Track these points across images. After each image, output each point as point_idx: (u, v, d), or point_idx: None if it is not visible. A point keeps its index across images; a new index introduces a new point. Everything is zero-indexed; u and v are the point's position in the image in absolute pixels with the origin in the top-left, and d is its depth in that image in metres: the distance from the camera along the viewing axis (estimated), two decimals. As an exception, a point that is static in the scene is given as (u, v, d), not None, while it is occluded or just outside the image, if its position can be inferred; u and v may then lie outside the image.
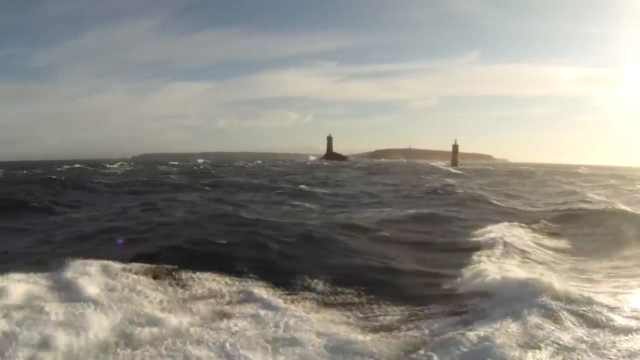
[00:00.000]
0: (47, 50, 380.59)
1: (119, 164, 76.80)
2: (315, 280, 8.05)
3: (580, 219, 16.04)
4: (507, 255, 9.92)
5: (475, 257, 9.70)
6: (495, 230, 12.85)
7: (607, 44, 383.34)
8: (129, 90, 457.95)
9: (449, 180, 40.81)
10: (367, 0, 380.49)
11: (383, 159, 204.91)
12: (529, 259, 10.07)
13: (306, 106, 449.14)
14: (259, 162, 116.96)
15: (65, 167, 59.36)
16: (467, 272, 8.56)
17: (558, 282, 6.92)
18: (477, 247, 10.96)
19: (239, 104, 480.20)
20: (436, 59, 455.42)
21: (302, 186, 30.00)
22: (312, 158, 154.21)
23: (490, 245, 10.92)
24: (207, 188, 28.72)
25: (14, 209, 16.59)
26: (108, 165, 67.66)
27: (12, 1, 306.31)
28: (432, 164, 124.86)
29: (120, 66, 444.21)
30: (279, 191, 27.25)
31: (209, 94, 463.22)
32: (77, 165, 62.40)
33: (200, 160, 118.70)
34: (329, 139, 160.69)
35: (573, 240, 12.70)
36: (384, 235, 13.11)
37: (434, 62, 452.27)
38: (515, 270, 8.31)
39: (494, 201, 22.43)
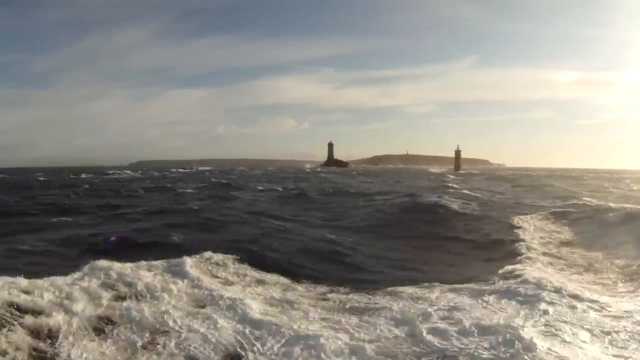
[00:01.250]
0: (46, 56, 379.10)
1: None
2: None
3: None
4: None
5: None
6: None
7: (604, 46, 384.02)
8: (128, 96, 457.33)
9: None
10: (364, 6, 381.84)
11: (381, 165, 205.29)
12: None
13: (304, 112, 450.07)
14: (271, 168, 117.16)
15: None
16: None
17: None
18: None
19: (237, 111, 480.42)
20: (433, 64, 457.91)
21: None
22: (307, 166, 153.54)
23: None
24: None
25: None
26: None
27: (11, 7, 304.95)
28: (431, 170, 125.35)
29: (119, 72, 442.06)
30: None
31: (207, 101, 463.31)
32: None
33: (200, 167, 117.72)
34: (330, 145, 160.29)
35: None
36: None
37: (431, 67, 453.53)
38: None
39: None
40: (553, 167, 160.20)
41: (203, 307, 6.44)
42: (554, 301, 6.72)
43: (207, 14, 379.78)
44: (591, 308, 6.57)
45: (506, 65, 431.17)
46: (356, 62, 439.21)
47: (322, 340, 5.17)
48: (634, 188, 36.57)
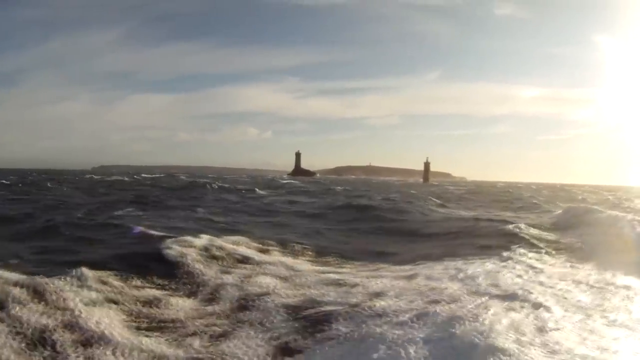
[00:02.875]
0: (11, 55, 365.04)
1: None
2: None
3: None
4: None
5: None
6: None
7: (568, 64, 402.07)
8: (92, 99, 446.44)
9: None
10: (330, 17, 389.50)
11: (345, 176, 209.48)
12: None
13: (267, 121, 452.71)
14: (244, 176, 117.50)
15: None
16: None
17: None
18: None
19: (201, 118, 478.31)
20: (398, 77, 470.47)
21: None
22: (285, 177, 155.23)
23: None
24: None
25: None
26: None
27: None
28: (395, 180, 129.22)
29: (85, 75, 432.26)
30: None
31: (171, 107, 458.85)
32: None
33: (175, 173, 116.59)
34: (298, 155, 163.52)
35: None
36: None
37: (396, 80, 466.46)
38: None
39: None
40: (513, 181, 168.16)
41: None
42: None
43: (175, 20, 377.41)
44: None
45: (470, 80, 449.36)
46: (321, 72, 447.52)
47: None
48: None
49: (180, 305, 5.93)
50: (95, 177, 66.27)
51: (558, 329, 4.79)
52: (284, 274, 7.74)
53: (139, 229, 11.26)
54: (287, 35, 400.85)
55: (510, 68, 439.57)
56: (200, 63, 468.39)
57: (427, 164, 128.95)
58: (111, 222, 13.18)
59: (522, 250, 10.21)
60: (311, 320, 5.35)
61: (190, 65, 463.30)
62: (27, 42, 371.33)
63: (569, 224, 15.42)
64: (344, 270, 8.60)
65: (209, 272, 7.55)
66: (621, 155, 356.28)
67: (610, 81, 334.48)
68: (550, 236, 13.09)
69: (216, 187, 40.12)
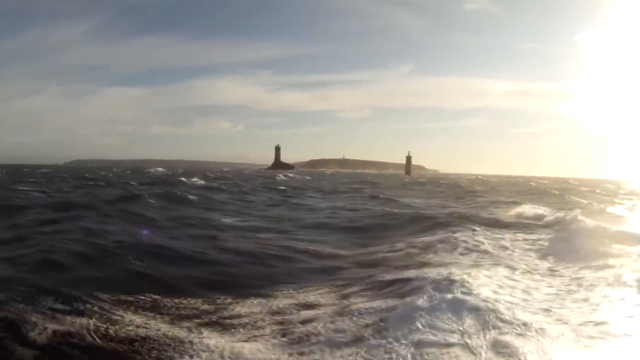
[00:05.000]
0: None
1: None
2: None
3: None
4: None
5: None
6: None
7: (539, 59, 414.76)
8: (62, 93, 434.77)
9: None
10: (303, 10, 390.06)
11: (321, 169, 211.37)
12: None
13: (239, 115, 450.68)
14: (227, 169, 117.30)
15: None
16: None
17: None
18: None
19: (173, 111, 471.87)
20: (369, 70, 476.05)
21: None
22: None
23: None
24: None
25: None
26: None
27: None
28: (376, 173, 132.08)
29: (55, 68, 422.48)
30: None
31: (143, 100, 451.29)
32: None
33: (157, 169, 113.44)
34: (277, 148, 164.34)
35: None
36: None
37: (367, 73, 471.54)
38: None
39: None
40: (485, 174, 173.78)
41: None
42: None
43: (146, 13, 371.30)
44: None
45: (442, 74, 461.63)
46: (293, 65, 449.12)
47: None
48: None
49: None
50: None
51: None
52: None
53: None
54: (259, 28, 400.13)
55: (482, 62, 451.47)
56: (171, 56, 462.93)
57: (409, 158, 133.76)
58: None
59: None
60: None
61: (161, 58, 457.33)
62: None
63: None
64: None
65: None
66: (592, 148, 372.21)
67: (581, 75, 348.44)
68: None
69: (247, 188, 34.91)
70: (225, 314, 5.58)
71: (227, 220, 14.76)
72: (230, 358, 4.19)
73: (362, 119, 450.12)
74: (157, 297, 5.99)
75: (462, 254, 9.40)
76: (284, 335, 4.82)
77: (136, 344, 4.30)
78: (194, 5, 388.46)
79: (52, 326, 4.21)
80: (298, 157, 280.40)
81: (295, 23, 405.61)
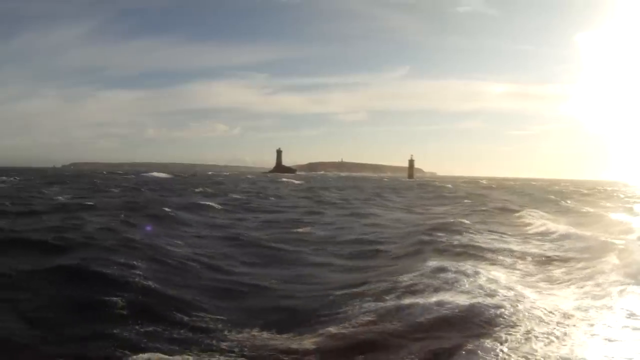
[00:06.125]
0: None
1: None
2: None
3: None
4: None
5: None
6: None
7: (536, 61, 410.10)
8: (59, 96, 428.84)
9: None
10: (299, 13, 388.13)
11: (322, 172, 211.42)
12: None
13: (235, 118, 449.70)
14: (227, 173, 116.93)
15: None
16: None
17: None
18: None
19: (169, 114, 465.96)
20: (366, 73, 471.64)
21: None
22: (250, 177, 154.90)
23: None
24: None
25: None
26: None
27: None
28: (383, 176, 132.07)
29: (51, 71, 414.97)
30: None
31: (139, 103, 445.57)
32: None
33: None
34: (279, 152, 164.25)
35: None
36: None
37: (364, 76, 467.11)
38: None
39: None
40: (480, 176, 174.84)
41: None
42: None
43: (142, 15, 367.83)
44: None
45: (439, 77, 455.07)
46: (289, 68, 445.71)
47: None
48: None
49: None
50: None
51: None
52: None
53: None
54: (255, 31, 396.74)
55: (479, 64, 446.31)
56: (168, 59, 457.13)
57: (411, 162, 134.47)
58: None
59: None
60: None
61: (158, 60, 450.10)
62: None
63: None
64: None
65: None
66: (590, 150, 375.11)
67: (578, 77, 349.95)
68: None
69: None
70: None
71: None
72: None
73: (358, 122, 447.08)
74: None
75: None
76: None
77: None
78: (190, 8, 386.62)
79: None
80: (295, 160, 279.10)
81: (291, 26, 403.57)
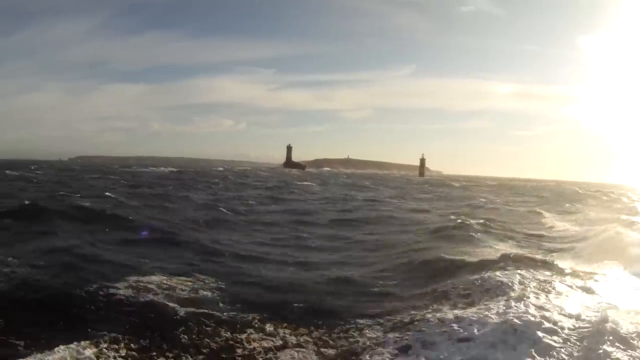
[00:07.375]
0: None
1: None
2: None
3: None
4: None
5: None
6: None
7: (541, 62, 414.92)
8: (64, 90, 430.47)
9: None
10: (306, 9, 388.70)
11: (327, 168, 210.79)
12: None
13: (241, 113, 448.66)
14: (238, 168, 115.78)
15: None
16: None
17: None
18: None
19: (174, 108, 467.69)
20: (372, 70, 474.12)
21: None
22: (264, 173, 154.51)
23: None
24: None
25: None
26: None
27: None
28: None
29: (56, 65, 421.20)
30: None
31: (144, 97, 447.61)
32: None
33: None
34: (289, 148, 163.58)
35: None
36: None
37: (370, 73, 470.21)
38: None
39: None
40: (486, 176, 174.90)
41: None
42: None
43: (148, 10, 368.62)
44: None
45: (444, 75, 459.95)
46: (295, 64, 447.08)
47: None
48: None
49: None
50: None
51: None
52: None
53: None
54: (261, 26, 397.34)
55: (485, 64, 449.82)
56: (173, 53, 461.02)
57: (422, 160, 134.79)
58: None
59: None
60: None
61: (163, 55, 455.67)
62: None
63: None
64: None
65: None
66: (594, 151, 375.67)
67: (584, 78, 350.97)
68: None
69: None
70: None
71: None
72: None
73: (364, 119, 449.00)
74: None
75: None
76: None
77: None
78: (197, 2, 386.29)
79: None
80: (301, 156, 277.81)
81: (298, 22, 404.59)
